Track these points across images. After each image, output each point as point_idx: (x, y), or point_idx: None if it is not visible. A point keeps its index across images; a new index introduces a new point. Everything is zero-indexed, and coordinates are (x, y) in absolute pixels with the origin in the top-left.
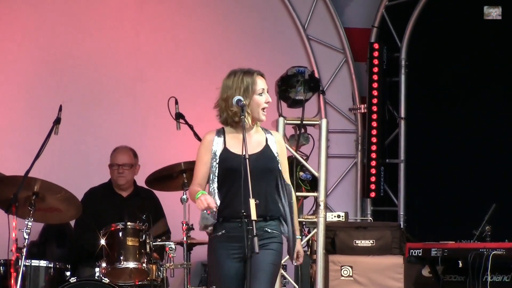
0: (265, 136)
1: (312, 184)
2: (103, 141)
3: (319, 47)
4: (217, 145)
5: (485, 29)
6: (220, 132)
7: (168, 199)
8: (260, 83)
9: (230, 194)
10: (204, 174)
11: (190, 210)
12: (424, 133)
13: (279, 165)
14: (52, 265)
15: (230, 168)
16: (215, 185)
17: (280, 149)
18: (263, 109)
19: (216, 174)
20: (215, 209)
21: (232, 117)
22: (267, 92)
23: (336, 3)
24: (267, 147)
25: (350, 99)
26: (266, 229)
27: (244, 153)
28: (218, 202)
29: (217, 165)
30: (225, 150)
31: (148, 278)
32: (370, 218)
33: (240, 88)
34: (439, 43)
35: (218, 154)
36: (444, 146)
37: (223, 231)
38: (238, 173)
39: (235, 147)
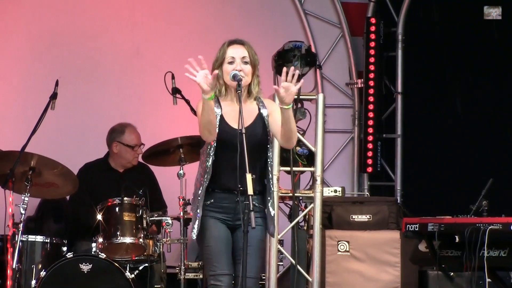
0: (258, 107)
1: (309, 159)
2: (100, 116)
3: (315, 22)
4: (215, 108)
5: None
6: (215, 99)
7: (165, 174)
8: (231, 52)
9: (221, 166)
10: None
11: (186, 185)
12: (421, 108)
13: (268, 138)
14: (48, 241)
15: (223, 140)
16: (212, 152)
17: (271, 109)
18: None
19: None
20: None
21: (220, 87)
22: (248, 61)
23: None
24: (258, 119)
25: (347, 74)
26: (253, 203)
27: (240, 128)
28: (216, 169)
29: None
30: (222, 120)
31: (145, 253)
32: (367, 193)
33: (217, 58)
34: (436, 18)
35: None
36: (441, 120)
37: (212, 200)
38: (231, 147)
39: (230, 119)
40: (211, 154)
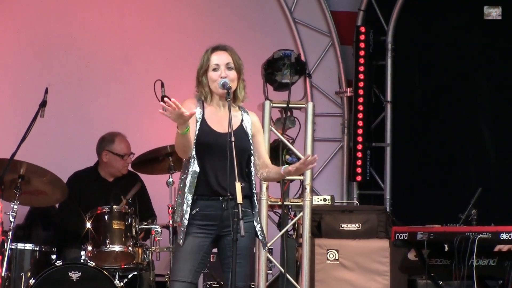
0: (241, 116)
1: None
2: (89, 124)
3: (305, 30)
4: (198, 112)
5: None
6: (200, 103)
7: (154, 182)
8: (214, 59)
9: (204, 171)
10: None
11: (175, 193)
12: (411, 117)
13: (251, 145)
14: (37, 248)
15: (206, 143)
16: (195, 158)
17: (255, 129)
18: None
19: (194, 147)
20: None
21: (203, 94)
22: (233, 67)
23: None
24: (240, 127)
25: (336, 82)
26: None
27: (230, 138)
28: (196, 174)
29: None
30: (204, 123)
31: (134, 261)
32: (356, 202)
33: (201, 65)
34: (425, 27)
35: (198, 125)
36: (430, 129)
37: (197, 209)
38: (214, 150)
39: (213, 122)
40: (193, 159)
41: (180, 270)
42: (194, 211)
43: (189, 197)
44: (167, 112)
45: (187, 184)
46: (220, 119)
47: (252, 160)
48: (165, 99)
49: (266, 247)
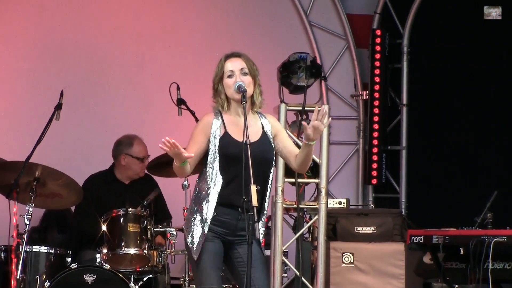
0: (261, 122)
1: (314, 170)
2: (104, 126)
3: (321, 33)
4: (216, 127)
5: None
6: (218, 115)
7: (169, 185)
8: (229, 66)
9: (226, 181)
10: (195, 153)
11: (191, 196)
12: (426, 120)
13: (273, 155)
14: (52, 251)
15: (230, 154)
16: (217, 167)
17: (275, 130)
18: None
19: (217, 158)
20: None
21: (222, 102)
22: (247, 72)
23: None
24: (264, 135)
25: (352, 85)
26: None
27: (245, 140)
28: (220, 184)
29: (216, 149)
30: (226, 135)
31: (149, 264)
32: (372, 205)
33: (216, 74)
34: (441, 30)
35: (217, 137)
36: (446, 133)
37: (215, 214)
38: (237, 160)
39: (234, 133)
40: (218, 169)
41: (208, 277)
42: (212, 215)
43: (209, 207)
44: (166, 149)
45: (208, 197)
46: (241, 128)
47: (271, 171)
48: (165, 139)
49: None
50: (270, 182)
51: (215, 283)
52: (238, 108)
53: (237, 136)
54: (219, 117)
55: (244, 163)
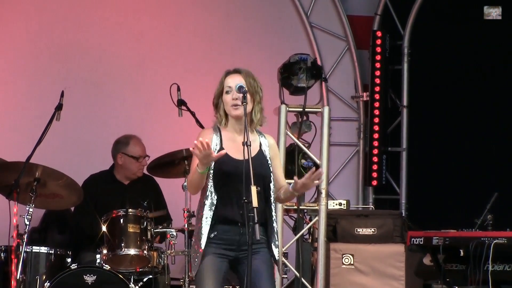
0: (259, 140)
1: None
2: (105, 127)
3: (321, 35)
4: (215, 144)
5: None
6: (216, 131)
7: (170, 186)
8: (228, 82)
9: (224, 199)
10: None
11: (191, 197)
12: (426, 122)
13: (271, 172)
14: (53, 252)
15: (225, 171)
16: (211, 184)
17: (273, 153)
18: (233, 105)
19: (211, 175)
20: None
21: (221, 118)
22: (244, 88)
23: None
24: (260, 152)
25: (352, 87)
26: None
27: (245, 140)
28: (215, 202)
29: (212, 166)
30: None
31: (149, 265)
32: (372, 206)
33: (217, 89)
34: (442, 31)
35: (215, 153)
36: (446, 134)
37: (215, 233)
38: (232, 178)
39: (231, 150)
40: (212, 187)
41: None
42: (212, 235)
43: (206, 227)
44: (196, 151)
45: (204, 215)
46: (238, 146)
47: (271, 186)
48: (199, 140)
49: (281, 272)
50: (272, 202)
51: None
52: (236, 124)
53: (233, 152)
54: (218, 133)
55: (244, 165)
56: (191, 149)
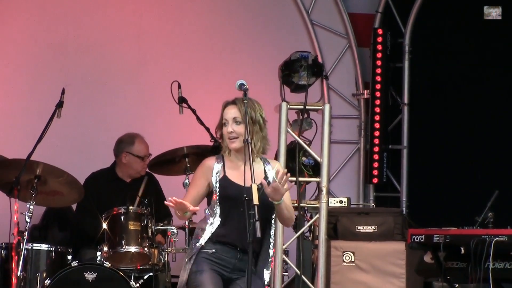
0: (264, 167)
1: (315, 169)
2: (106, 124)
3: (322, 32)
4: (217, 171)
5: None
6: (220, 159)
7: (170, 184)
8: (226, 114)
9: (226, 223)
10: (195, 196)
11: None
12: (427, 119)
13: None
14: (53, 249)
15: (228, 196)
16: (217, 208)
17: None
18: (229, 138)
19: (218, 200)
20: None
21: (225, 148)
22: (240, 121)
23: None
24: (266, 180)
25: (353, 84)
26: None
27: (246, 138)
28: (217, 224)
29: (217, 191)
30: (225, 178)
31: (150, 263)
32: (373, 204)
33: (219, 120)
34: (442, 29)
35: (218, 180)
36: (447, 132)
37: (214, 250)
38: (235, 202)
39: (234, 176)
40: (218, 208)
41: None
42: (211, 251)
43: (203, 240)
44: (171, 205)
45: (207, 230)
46: (241, 174)
47: (272, 217)
48: (170, 200)
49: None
50: (272, 227)
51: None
52: (238, 155)
53: (236, 179)
54: (221, 161)
55: (245, 160)
56: (165, 202)
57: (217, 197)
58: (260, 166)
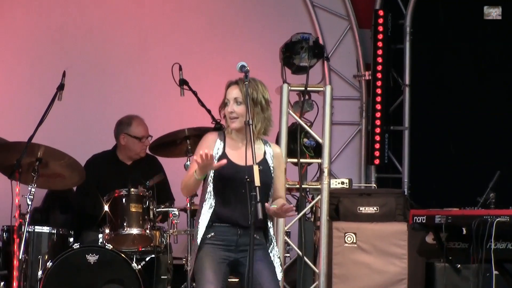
0: (264, 149)
1: (316, 150)
2: (107, 107)
3: (323, 14)
4: (218, 147)
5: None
6: (221, 136)
7: (172, 166)
8: (228, 93)
9: (223, 201)
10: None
11: None
12: (429, 100)
13: (272, 181)
14: (55, 231)
15: (226, 176)
16: (211, 187)
17: (277, 162)
18: (230, 118)
19: (212, 178)
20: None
21: (227, 127)
22: (241, 101)
23: None
24: (264, 160)
25: (354, 66)
26: (257, 237)
27: (248, 119)
28: (214, 203)
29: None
30: (223, 156)
31: (152, 244)
32: (374, 185)
33: (223, 100)
34: (443, 11)
35: (216, 157)
36: (448, 113)
37: (213, 234)
38: (232, 181)
39: (233, 156)
40: (212, 189)
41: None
42: (209, 235)
43: (202, 227)
44: (199, 160)
45: (203, 213)
46: (240, 153)
47: (270, 194)
48: (204, 152)
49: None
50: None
51: (215, 284)
52: (239, 135)
53: (235, 158)
54: (222, 139)
55: (246, 144)
56: (194, 157)
57: (212, 175)
58: (261, 148)
